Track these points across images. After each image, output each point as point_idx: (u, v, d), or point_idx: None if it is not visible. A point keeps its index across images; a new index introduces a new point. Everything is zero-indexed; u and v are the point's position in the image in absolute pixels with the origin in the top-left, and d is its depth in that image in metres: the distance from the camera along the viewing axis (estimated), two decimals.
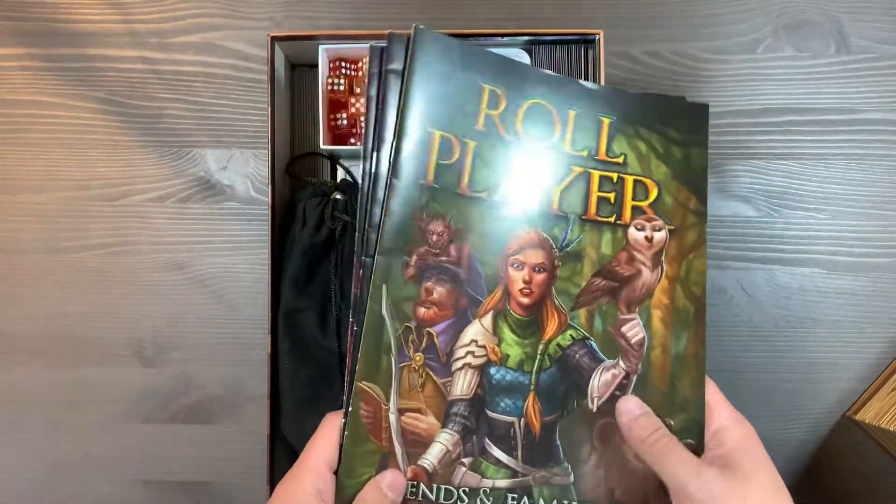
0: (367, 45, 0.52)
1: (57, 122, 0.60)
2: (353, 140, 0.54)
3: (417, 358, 0.38)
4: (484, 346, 0.39)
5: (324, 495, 0.36)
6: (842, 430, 0.60)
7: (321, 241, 0.51)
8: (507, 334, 0.39)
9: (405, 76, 0.39)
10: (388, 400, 0.38)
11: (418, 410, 0.38)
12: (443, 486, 0.38)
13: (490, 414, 0.38)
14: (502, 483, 0.38)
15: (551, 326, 0.39)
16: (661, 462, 0.35)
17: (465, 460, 0.38)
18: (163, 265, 0.60)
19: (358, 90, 0.54)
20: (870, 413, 0.58)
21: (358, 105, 0.53)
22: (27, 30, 0.59)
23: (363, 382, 0.38)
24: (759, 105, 0.59)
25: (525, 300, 0.39)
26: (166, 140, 0.60)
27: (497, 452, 0.38)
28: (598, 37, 0.50)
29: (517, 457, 0.38)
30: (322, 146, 0.53)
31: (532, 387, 0.39)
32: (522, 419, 0.38)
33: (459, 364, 0.38)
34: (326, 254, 0.52)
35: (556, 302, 0.39)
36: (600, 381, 0.39)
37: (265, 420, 0.51)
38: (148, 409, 0.60)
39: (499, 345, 0.39)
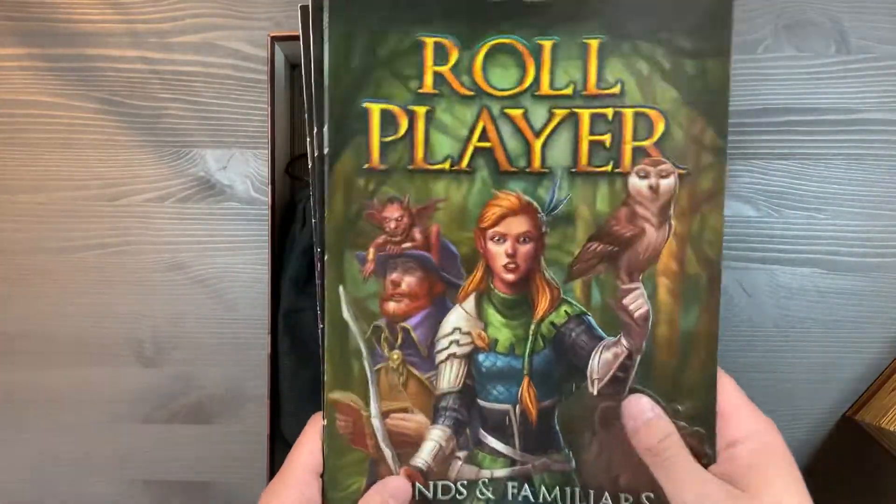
0: None
1: (57, 122, 0.60)
2: None
3: (395, 356, 0.35)
4: (469, 333, 0.35)
5: (311, 503, 0.35)
6: (842, 430, 0.60)
7: None
8: (494, 316, 0.35)
9: (322, 45, 0.33)
10: (367, 406, 0.35)
11: (404, 410, 0.36)
12: (439, 483, 0.36)
13: (482, 404, 0.36)
14: (501, 472, 0.36)
15: (543, 303, 0.35)
16: (667, 474, 0.33)
17: (461, 454, 0.36)
18: (163, 265, 0.60)
19: None
20: (870, 413, 0.58)
21: None
22: (27, 30, 0.59)
23: (335, 393, 0.35)
24: (759, 105, 0.59)
25: (510, 276, 0.35)
26: (166, 140, 0.60)
27: (493, 442, 0.36)
28: None
29: (514, 445, 0.36)
30: None
31: (525, 371, 0.35)
32: (517, 406, 0.36)
33: (444, 356, 0.35)
34: None
35: (547, 275, 0.35)
36: (600, 362, 0.35)
37: (265, 420, 0.51)
38: (148, 409, 0.60)
39: (485, 329, 0.35)
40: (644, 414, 0.34)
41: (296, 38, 0.52)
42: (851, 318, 0.59)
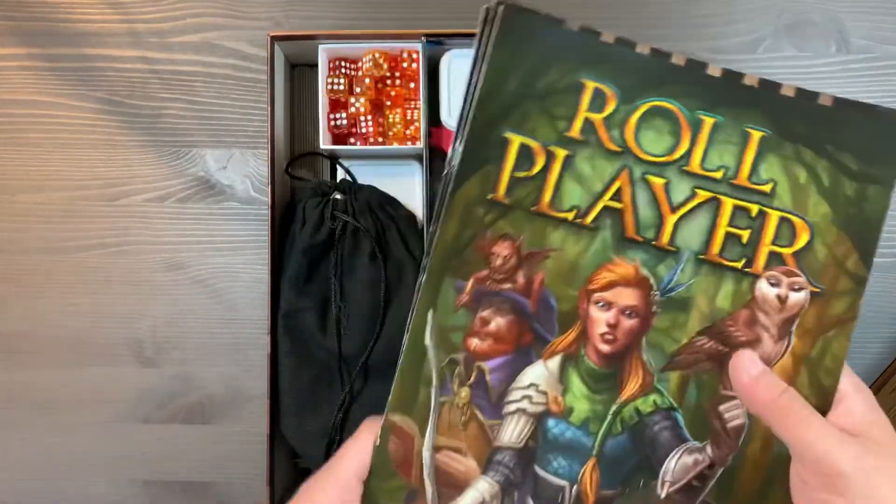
0: (367, 45, 0.53)
1: (57, 122, 0.60)
2: (352, 140, 0.54)
3: (462, 394, 0.33)
4: (545, 393, 0.33)
5: None
6: None
7: (321, 241, 0.51)
8: (576, 384, 0.33)
9: (477, 65, 0.32)
10: (422, 434, 0.33)
11: (457, 450, 0.33)
12: None
13: (539, 471, 0.33)
14: None
15: (632, 385, 0.32)
16: (796, 430, 0.30)
17: None
18: (163, 265, 0.60)
19: (358, 90, 0.54)
20: None
21: (357, 105, 0.53)
22: (27, 30, 0.59)
23: (395, 415, 0.34)
24: None
25: (606, 348, 0.32)
26: (166, 140, 0.60)
27: None
28: None
29: None
30: (322, 146, 0.53)
31: (594, 451, 0.33)
32: (575, 486, 0.33)
33: (513, 408, 0.33)
34: (326, 254, 0.52)
35: (644, 357, 0.32)
36: (678, 465, 0.32)
37: (265, 420, 0.51)
38: (148, 409, 0.60)
39: (563, 394, 0.33)
40: (753, 368, 0.31)
41: (295, 37, 0.52)
42: None
